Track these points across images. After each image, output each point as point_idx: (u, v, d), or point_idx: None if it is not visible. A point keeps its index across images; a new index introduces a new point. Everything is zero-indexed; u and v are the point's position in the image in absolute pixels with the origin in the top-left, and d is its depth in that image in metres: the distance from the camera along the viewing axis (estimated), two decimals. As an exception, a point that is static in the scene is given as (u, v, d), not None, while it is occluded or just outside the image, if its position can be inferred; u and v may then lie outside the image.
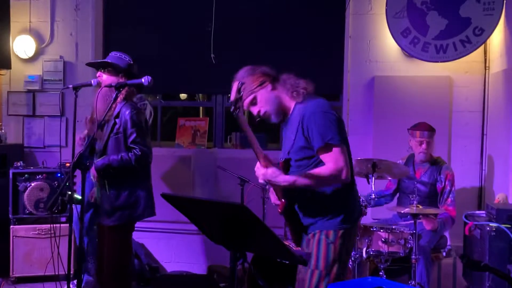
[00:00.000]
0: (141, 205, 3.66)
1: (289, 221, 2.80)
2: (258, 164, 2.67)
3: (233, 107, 2.50)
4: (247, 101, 2.71)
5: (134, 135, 3.52)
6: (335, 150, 2.60)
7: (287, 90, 2.72)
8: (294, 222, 2.79)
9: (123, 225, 3.63)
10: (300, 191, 2.68)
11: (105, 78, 3.64)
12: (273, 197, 2.81)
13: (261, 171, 2.64)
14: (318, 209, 2.69)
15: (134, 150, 3.52)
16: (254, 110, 2.75)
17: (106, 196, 3.62)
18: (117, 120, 3.56)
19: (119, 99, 3.48)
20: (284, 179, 2.63)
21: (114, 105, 3.52)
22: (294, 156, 2.71)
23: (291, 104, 2.74)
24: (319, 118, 2.61)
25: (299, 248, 2.89)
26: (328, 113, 2.63)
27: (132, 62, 3.70)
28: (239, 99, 2.52)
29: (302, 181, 2.62)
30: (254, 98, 2.72)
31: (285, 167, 2.73)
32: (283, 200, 2.73)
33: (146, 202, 3.69)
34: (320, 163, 2.65)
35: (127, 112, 3.55)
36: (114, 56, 3.70)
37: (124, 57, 3.70)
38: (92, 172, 3.60)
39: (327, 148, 2.60)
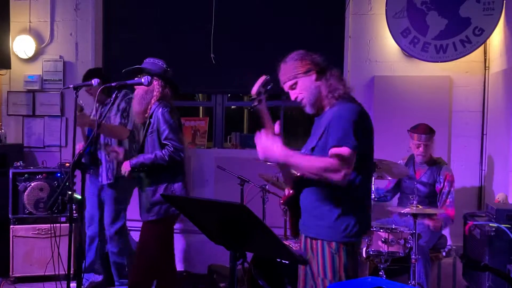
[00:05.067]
0: None
1: (292, 214, 2.76)
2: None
3: (253, 101, 2.49)
4: (288, 84, 2.69)
5: (166, 132, 3.67)
6: (344, 149, 2.49)
7: (326, 88, 2.67)
8: (296, 216, 2.74)
9: (161, 220, 3.71)
10: (310, 188, 2.62)
11: None
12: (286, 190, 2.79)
13: (262, 140, 2.49)
14: (324, 212, 2.60)
15: (167, 147, 3.66)
16: (293, 94, 2.71)
17: (144, 193, 3.75)
18: (151, 120, 3.74)
19: (153, 100, 3.71)
20: (281, 150, 2.48)
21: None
22: (318, 154, 2.63)
23: (326, 103, 2.69)
24: (343, 123, 2.53)
25: (297, 246, 2.85)
26: (353, 120, 2.54)
27: (166, 67, 3.82)
28: (261, 92, 2.50)
29: (297, 159, 2.52)
30: (295, 83, 2.67)
31: None
32: (291, 191, 2.71)
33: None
34: None
35: (159, 111, 3.71)
36: (148, 62, 3.82)
37: (158, 62, 3.81)
38: (126, 167, 3.73)
39: (338, 146, 2.51)
